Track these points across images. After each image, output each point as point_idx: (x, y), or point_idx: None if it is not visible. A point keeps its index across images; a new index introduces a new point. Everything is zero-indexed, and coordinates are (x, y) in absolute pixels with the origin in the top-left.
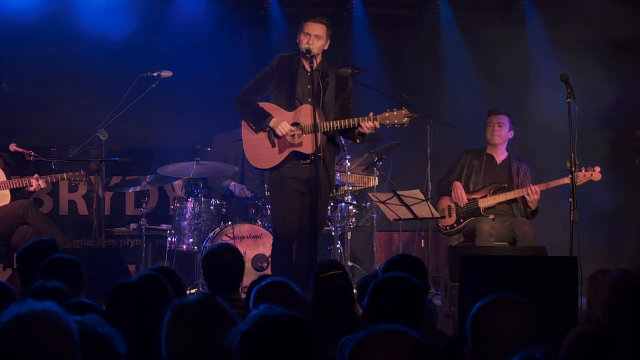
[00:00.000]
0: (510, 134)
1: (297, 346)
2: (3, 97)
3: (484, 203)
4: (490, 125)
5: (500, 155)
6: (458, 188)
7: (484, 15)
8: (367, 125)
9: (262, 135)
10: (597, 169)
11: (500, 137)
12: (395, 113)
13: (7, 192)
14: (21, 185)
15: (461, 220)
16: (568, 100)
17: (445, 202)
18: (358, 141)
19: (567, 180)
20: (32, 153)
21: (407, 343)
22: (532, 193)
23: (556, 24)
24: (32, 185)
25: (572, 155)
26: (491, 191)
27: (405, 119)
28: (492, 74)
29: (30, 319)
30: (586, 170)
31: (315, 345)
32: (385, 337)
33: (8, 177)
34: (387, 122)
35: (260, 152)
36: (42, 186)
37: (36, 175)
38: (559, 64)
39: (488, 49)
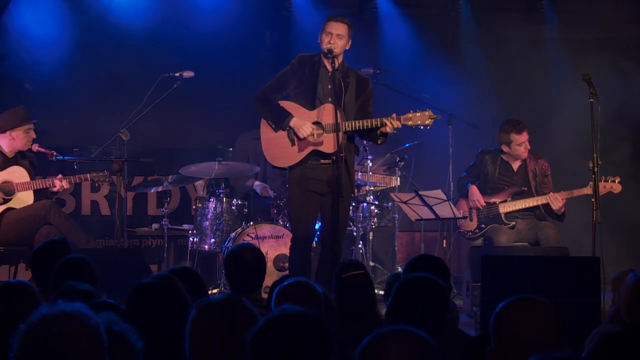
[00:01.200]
0: None
1: (308, 343)
2: (26, 97)
3: (504, 208)
4: (520, 144)
5: (517, 160)
6: (474, 194)
7: (504, 15)
8: (390, 125)
9: (282, 133)
10: (617, 179)
11: (527, 150)
12: (418, 114)
13: (31, 193)
14: (44, 186)
15: (482, 225)
16: (590, 100)
17: (464, 204)
18: (379, 142)
19: (587, 190)
20: (55, 153)
21: (416, 344)
22: (555, 201)
23: (577, 24)
24: (55, 186)
25: (595, 155)
26: (510, 195)
27: (429, 120)
28: (513, 74)
29: (59, 319)
30: (606, 181)
31: (329, 342)
32: (393, 337)
33: (32, 178)
34: (411, 122)
35: (279, 150)
36: (66, 187)
37: (60, 176)
38: (580, 64)
39: (509, 49)
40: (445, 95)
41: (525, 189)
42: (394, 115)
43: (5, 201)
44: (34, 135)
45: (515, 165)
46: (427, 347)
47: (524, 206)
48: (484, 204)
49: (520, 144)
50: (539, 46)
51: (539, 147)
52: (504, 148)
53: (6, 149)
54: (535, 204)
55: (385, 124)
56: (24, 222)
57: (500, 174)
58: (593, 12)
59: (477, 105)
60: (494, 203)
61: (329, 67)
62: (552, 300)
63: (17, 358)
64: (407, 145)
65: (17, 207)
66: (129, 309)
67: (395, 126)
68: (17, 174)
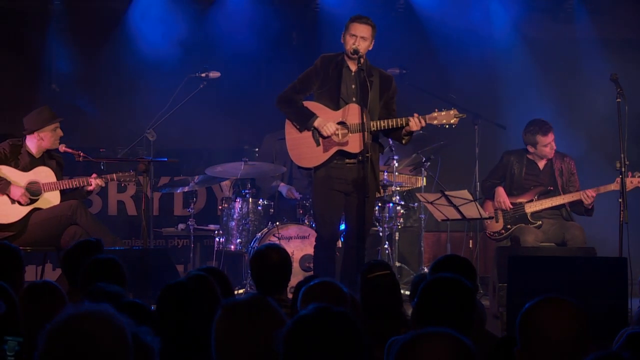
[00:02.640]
0: None
1: (340, 340)
2: (53, 98)
3: (530, 208)
4: (545, 145)
5: (543, 159)
6: (500, 195)
7: (533, 15)
8: (414, 123)
9: (307, 134)
10: None
11: (554, 150)
12: (443, 113)
13: (57, 193)
14: (79, 185)
15: (508, 226)
16: (618, 100)
17: (490, 206)
18: (404, 141)
19: (614, 187)
20: (82, 154)
21: (454, 346)
22: (587, 198)
23: (605, 24)
24: (90, 185)
25: (622, 155)
26: (536, 195)
27: (454, 119)
28: (541, 74)
29: (84, 319)
30: (632, 176)
31: (361, 339)
32: (432, 339)
33: (59, 178)
34: (436, 122)
35: (304, 150)
36: (102, 185)
37: (94, 175)
38: (608, 64)
39: (537, 49)
40: (472, 94)
41: (552, 188)
42: (415, 115)
43: (32, 201)
44: (61, 133)
45: (542, 164)
46: (466, 350)
47: (550, 205)
48: (511, 205)
49: (546, 145)
50: (567, 45)
51: (567, 146)
52: (530, 148)
53: (34, 150)
54: (561, 202)
55: (413, 123)
56: (51, 222)
57: (527, 173)
58: (622, 11)
59: (504, 105)
60: (520, 203)
61: (352, 67)
62: (579, 300)
63: (42, 358)
64: (433, 145)
65: (44, 207)
66: (160, 308)
67: (421, 125)
68: (43, 175)
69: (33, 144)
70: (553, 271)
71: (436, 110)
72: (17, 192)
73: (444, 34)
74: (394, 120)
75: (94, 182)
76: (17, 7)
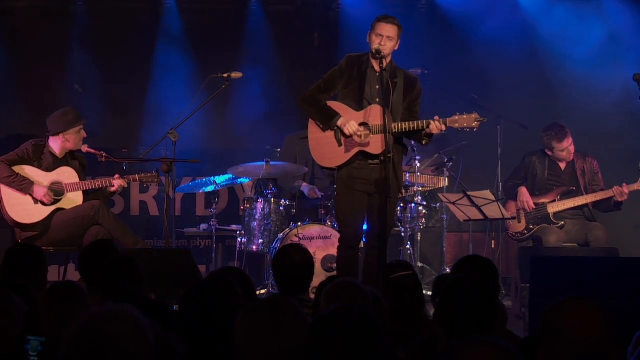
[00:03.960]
0: None
1: (362, 340)
2: (75, 98)
3: (553, 208)
4: (562, 150)
5: (572, 153)
6: (523, 195)
7: (557, 16)
8: (435, 127)
9: (329, 134)
10: None
11: (572, 154)
12: (465, 116)
13: (80, 193)
14: (103, 186)
15: (531, 226)
16: None
17: (512, 206)
18: (424, 142)
19: (638, 186)
20: (104, 154)
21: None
22: (623, 195)
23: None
24: (113, 186)
25: None
26: (559, 195)
27: (475, 122)
28: (562, 73)
29: (108, 321)
30: None
31: (382, 339)
32: (473, 349)
33: (82, 179)
34: (457, 125)
35: (327, 150)
36: (125, 186)
37: (117, 176)
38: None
39: (555, 48)
40: (495, 94)
41: (574, 188)
42: (436, 117)
43: (55, 201)
44: (84, 135)
45: (563, 164)
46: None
47: (573, 205)
48: (533, 206)
49: (562, 150)
50: (585, 44)
51: (588, 148)
52: (547, 151)
53: (57, 151)
54: (584, 202)
55: (433, 126)
56: (74, 222)
57: (549, 174)
58: None
59: (526, 105)
60: (543, 204)
61: (376, 68)
62: (602, 301)
63: (66, 358)
64: (455, 146)
65: (67, 207)
66: (182, 309)
67: (441, 129)
68: (66, 175)
69: (57, 145)
70: (576, 272)
71: (457, 113)
72: (40, 191)
73: (466, 34)
74: (415, 122)
75: (117, 182)
76: (40, 7)
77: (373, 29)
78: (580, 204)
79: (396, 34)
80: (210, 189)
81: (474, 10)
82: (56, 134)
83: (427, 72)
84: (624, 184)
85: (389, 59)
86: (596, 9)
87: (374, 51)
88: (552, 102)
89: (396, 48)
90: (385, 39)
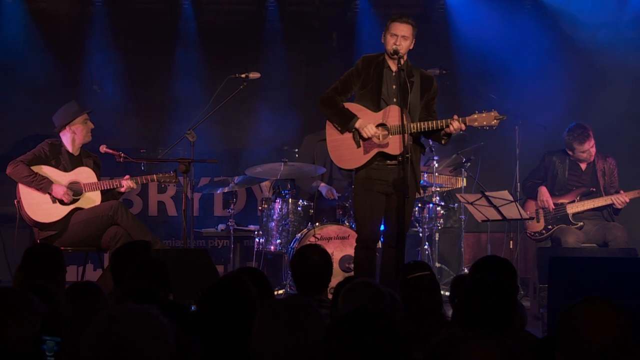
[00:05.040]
0: None
1: (379, 340)
2: (94, 99)
3: (572, 209)
4: (582, 152)
5: (593, 155)
6: (544, 195)
7: (573, 9)
8: (455, 126)
9: (348, 135)
10: None
11: (593, 155)
12: (484, 115)
13: (98, 193)
14: (112, 187)
15: (549, 226)
16: None
17: (531, 206)
18: (443, 142)
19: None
20: (122, 154)
21: (499, 350)
22: (620, 203)
23: None
24: (122, 187)
25: None
26: (578, 196)
27: (495, 120)
28: (582, 73)
29: (127, 322)
30: None
31: (399, 339)
32: (477, 342)
33: (98, 179)
34: (476, 123)
35: (345, 152)
36: (133, 187)
37: (127, 177)
38: None
39: (577, 48)
40: (513, 94)
41: (594, 189)
42: (455, 117)
43: (74, 201)
44: (91, 125)
45: (584, 165)
46: (511, 355)
47: (592, 206)
48: (554, 206)
49: (583, 152)
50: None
51: (606, 148)
52: (568, 151)
53: (70, 148)
54: (603, 203)
55: (450, 125)
56: (92, 222)
57: (570, 174)
58: None
59: (545, 105)
60: (562, 204)
61: (393, 67)
62: (620, 302)
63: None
64: (473, 146)
65: (85, 207)
66: (199, 309)
67: (460, 128)
68: (84, 175)
69: (68, 140)
70: (594, 272)
71: (476, 112)
72: (59, 190)
73: (483, 34)
74: (434, 122)
75: (125, 183)
76: (59, 9)
77: (387, 29)
78: (599, 205)
79: (411, 33)
80: (228, 189)
81: (492, 10)
82: (63, 127)
83: (445, 72)
84: (621, 191)
85: (404, 58)
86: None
87: (391, 51)
88: (572, 102)
89: (411, 47)
90: (400, 38)
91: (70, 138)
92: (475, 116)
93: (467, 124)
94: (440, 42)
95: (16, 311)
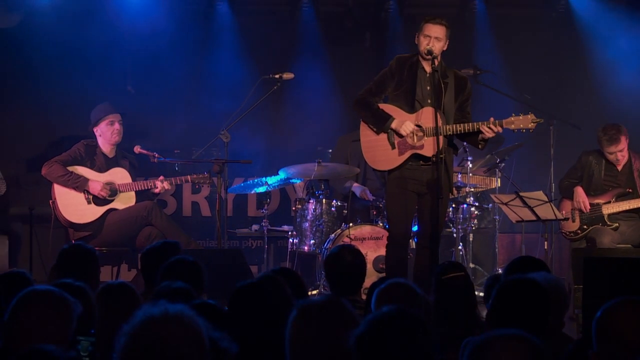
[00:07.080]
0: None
1: (412, 342)
2: (128, 100)
3: (607, 210)
4: (611, 154)
5: (621, 160)
6: (580, 196)
7: (608, 15)
8: (490, 129)
9: (382, 136)
10: None
11: (624, 158)
12: (521, 117)
13: (133, 194)
14: (146, 187)
15: (584, 226)
16: None
17: (567, 205)
18: (480, 147)
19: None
20: (157, 155)
21: (528, 349)
22: None
23: None
24: (157, 187)
25: None
26: (614, 197)
27: (532, 124)
28: (615, 73)
29: (162, 322)
30: None
31: (431, 341)
32: (506, 341)
33: (133, 179)
34: (513, 126)
35: (380, 153)
36: (167, 188)
37: (161, 177)
38: None
39: (610, 46)
40: (547, 95)
41: (630, 190)
42: (491, 119)
43: (108, 202)
44: (118, 127)
45: (620, 165)
46: (539, 353)
47: (628, 207)
48: (589, 207)
49: (611, 154)
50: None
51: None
52: (602, 151)
53: (103, 148)
54: (639, 205)
55: (488, 128)
56: (126, 223)
57: (606, 174)
58: None
59: (580, 105)
60: (598, 204)
61: (427, 68)
62: None
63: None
64: (507, 146)
65: (120, 207)
66: (232, 309)
67: (497, 131)
68: (119, 176)
69: (100, 141)
70: (630, 273)
71: (513, 114)
72: (96, 186)
73: (518, 35)
74: (469, 124)
75: (160, 184)
76: (84, 9)
77: (421, 31)
78: (635, 206)
79: (444, 34)
80: (261, 189)
81: (526, 11)
82: (93, 127)
83: (479, 73)
84: None
85: (439, 59)
86: None
87: (425, 52)
88: (605, 102)
89: (445, 48)
90: (433, 39)
91: (101, 140)
92: (512, 119)
93: (504, 126)
94: (474, 42)
95: (55, 312)
